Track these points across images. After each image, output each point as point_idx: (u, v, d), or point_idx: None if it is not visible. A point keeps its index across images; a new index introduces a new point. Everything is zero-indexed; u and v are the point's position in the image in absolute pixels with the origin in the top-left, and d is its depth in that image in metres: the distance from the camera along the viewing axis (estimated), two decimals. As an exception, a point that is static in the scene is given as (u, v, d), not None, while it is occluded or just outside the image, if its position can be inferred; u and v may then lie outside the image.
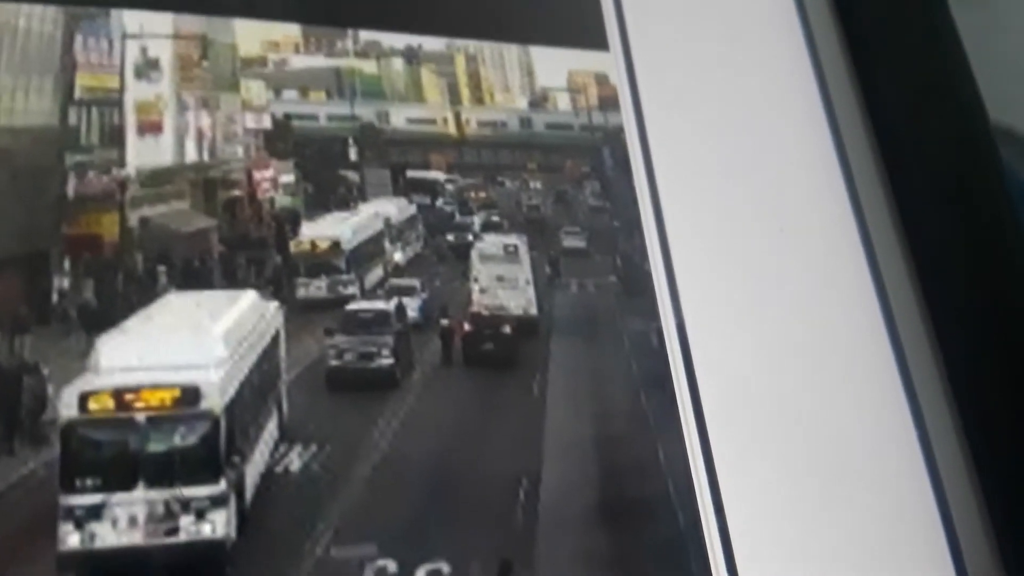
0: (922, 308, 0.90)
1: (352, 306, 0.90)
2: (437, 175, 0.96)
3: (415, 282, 0.94)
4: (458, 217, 0.97)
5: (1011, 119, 1.02)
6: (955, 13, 0.98)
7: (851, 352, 0.86)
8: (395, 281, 0.95)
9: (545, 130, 0.97)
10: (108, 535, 0.67)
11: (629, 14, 0.94)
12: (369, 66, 0.90)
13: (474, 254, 0.94)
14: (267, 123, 0.86)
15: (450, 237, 0.97)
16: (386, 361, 0.88)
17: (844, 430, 0.83)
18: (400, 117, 0.94)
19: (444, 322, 0.91)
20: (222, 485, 0.70)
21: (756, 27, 0.98)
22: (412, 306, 0.92)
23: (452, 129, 0.98)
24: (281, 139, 0.87)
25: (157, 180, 0.82)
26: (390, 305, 0.91)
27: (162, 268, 0.78)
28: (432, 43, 0.91)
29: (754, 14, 0.98)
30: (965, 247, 0.90)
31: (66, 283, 0.74)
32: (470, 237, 0.96)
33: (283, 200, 0.89)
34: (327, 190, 0.91)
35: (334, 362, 0.85)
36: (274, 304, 0.83)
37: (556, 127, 0.97)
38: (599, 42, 0.93)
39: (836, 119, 0.95)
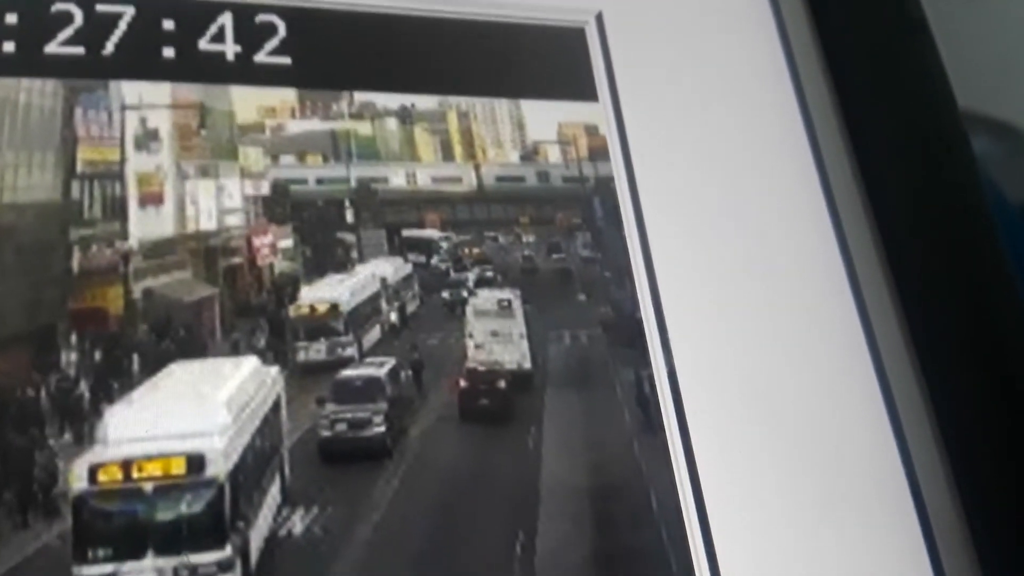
0: (907, 339, 0.91)
1: (343, 374, 0.91)
2: (432, 233, 0.99)
3: (390, 361, 0.94)
4: (453, 274, 0.99)
5: (982, 105, 1.04)
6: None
7: (843, 394, 0.88)
8: (369, 360, 0.95)
9: (562, 183, 0.99)
10: (120, 604, 0.69)
11: (618, 65, 0.95)
12: (364, 127, 0.92)
13: (469, 310, 0.96)
14: (265, 189, 0.88)
15: (445, 294, 0.99)
16: (378, 429, 0.88)
17: (840, 473, 0.84)
18: (425, 176, 0.96)
19: (415, 355, 0.93)
20: (228, 551, 0.72)
21: (744, 76, 0.99)
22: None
23: (473, 186, 1.00)
24: (279, 204, 0.89)
25: (159, 251, 0.84)
26: (382, 371, 0.92)
27: (166, 338, 0.80)
28: (425, 101, 0.93)
29: (742, 62, 1.00)
30: (940, 243, 0.92)
31: (73, 357, 0.77)
32: (465, 293, 0.98)
33: (282, 265, 0.91)
34: (325, 253, 0.93)
35: (325, 433, 0.86)
36: (275, 369, 0.85)
37: (570, 180, 0.99)
38: (588, 93, 0.95)
39: (825, 166, 0.97)
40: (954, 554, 0.83)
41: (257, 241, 0.90)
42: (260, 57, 0.84)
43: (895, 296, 0.93)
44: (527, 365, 0.95)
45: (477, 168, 0.99)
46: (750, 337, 0.88)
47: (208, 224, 0.88)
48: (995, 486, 0.84)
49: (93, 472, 0.71)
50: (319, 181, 0.94)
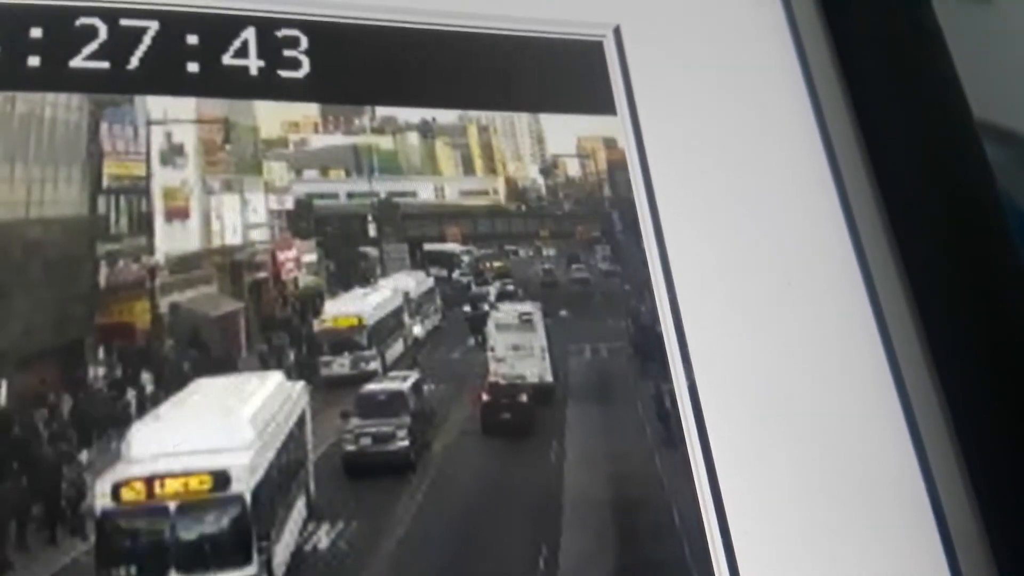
0: (925, 349, 0.92)
1: (366, 388, 0.92)
2: (453, 247, 0.99)
3: (413, 374, 0.94)
4: (474, 288, 1.00)
5: (994, 115, 1.05)
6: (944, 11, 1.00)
7: (863, 407, 0.88)
8: (393, 374, 0.96)
9: None
10: (144, 623, 0.69)
11: (636, 78, 0.96)
12: (386, 142, 0.93)
13: (490, 324, 0.97)
14: (289, 204, 0.88)
15: (467, 308, 1.00)
16: (402, 443, 0.89)
17: (860, 484, 0.85)
18: (453, 190, 0.97)
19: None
20: (253, 568, 0.72)
21: (761, 87, 1.00)
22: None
23: (503, 198, 1.00)
24: (303, 219, 0.89)
25: (185, 265, 0.85)
26: (406, 385, 0.92)
27: (192, 353, 0.81)
28: (445, 116, 0.94)
29: (758, 74, 1.00)
30: (956, 252, 0.92)
31: (101, 371, 0.77)
32: (486, 307, 0.98)
33: (306, 279, 0.91)
34: (348, 267, 0.93)
35: (350, 447, 0.87)
36: (300, 384, 0.86)
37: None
38: (607, 106, 0.95)
39: (842, 176, 0.97)
40: (973, 563, 0.83)
41: (282, 255, 0.90)
42: (283, 72, 0.85)
43: (913, 306, 0.93)
44: (548, 378, 0.95)
45: (507, 181, 1.00)
46: (770, 350, 0.88)
47: (233, 239, 0.89)
48: (1013, 489, 0.84)
49: (116, 490, 0.71)
50: (342, 196, 0.94)
